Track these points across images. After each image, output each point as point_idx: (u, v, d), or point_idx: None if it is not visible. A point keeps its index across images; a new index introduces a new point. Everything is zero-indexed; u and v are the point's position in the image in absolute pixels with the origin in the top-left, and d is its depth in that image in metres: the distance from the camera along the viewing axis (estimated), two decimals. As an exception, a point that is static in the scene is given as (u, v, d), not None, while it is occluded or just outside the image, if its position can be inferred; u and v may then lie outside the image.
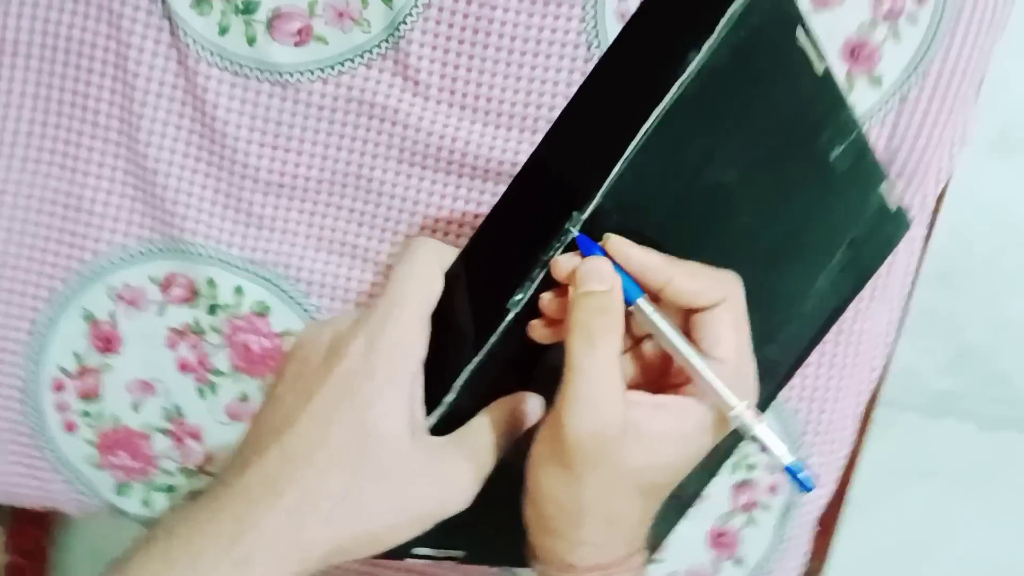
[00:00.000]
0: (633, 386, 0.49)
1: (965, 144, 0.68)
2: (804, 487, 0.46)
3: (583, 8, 0.62)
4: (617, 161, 0.46)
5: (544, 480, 0.48)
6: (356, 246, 0.67)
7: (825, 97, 0.54)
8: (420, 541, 0.55)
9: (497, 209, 0.53)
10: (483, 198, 0.66)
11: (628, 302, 0.47)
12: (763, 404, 0.69)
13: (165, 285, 0.67)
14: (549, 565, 0.51)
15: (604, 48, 0.62)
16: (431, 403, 0.49)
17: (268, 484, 0.46)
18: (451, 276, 0.51)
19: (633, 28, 0.52)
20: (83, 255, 0.66)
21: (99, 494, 0.70)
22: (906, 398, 1.42)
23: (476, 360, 0.49)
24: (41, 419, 0.69)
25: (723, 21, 0.46)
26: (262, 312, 0.67)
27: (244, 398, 0.68)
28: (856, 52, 0.64)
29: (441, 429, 0.49)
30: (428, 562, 0.62)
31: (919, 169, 0.67)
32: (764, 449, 0.46)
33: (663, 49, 0.48)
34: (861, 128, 0.57)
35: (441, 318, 0.50)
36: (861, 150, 0.58)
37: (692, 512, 0.71)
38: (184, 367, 0.67)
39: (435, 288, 0.49)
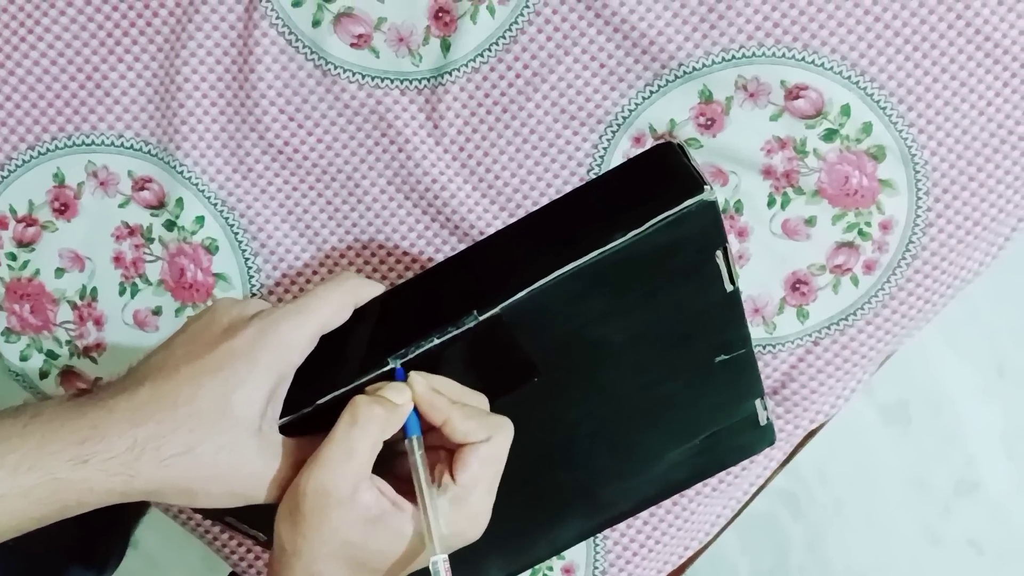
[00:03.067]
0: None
1: (849, 400, 0.73)
2: None
3: (599, 136, 0.68)
4: (524, 288, 0.55)
5: (278, 521, 0.54)
6: (319, 235, 0.71)
7: (726, 312, 0.61)
8: (234, 512, 0.61)
9: (424, 275, 0.61)
10: (444, 249, 0.71)
11: (407, 435, 0.54)
12: (588, 534, 0.74)
13: (138, 184, 0.69)
14: None
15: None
16: (291, 405, 0.55)
17: (130, 412, 0.52)
18: (363, 310, 0.58)
19: (602, 180, 0.61)
20: (82, 125, 0.69)
21: (-13, 330, 0.72)
22: (709, 585, 1.49)
23: (342, 390, 0.55)
24: (-30, 240, 0.71)
25: (652, 222, 0.54)
26: (210, 249, 0.70)
27: (156, 311, 0.71)
28: (797, 286, 0.70)
29: (288, 430, 0.55)
30: (232, 531, 0.67)
31: (802, 404, 0.72)
32: None
33: (605, 216, 0.56)
34: (751, 347, 0.64)
35: (333, 340, 0.56)
36: (745, 365, 0.65)
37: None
38: (118, 260, 0.70)
39: (337, 318, 0.56)
